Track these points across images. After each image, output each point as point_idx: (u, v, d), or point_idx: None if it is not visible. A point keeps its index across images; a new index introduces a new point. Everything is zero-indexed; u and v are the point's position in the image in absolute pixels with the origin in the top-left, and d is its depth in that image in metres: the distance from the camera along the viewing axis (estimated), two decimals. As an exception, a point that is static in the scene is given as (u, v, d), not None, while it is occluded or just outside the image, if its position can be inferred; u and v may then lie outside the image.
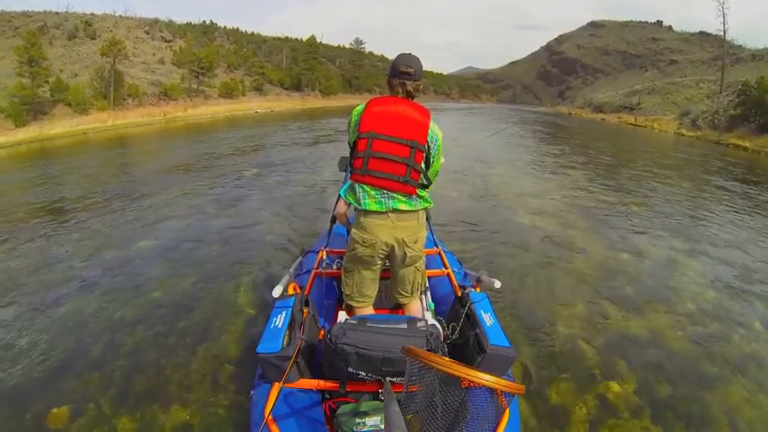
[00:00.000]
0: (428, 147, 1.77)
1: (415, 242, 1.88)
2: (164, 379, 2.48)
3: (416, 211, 1.84)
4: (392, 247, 1.86)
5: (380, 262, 1.94)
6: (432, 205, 1.92)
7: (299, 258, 2.81)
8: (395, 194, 1.77)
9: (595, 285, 3.92)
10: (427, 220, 2.31)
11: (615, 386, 2.55)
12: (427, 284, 2.49)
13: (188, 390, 2.39)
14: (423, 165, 1.78)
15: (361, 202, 1.80)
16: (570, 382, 2.57)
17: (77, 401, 2.30)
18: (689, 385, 2.62)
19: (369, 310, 2.06)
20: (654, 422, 2.30)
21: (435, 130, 1.80)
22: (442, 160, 1.96)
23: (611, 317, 3.36)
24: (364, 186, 1.78)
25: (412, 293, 2.05)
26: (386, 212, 1.79)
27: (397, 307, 2.21)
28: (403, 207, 1.79)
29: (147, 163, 10.75)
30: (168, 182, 7.68)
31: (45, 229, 5.23)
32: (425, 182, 1.82)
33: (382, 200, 1.78)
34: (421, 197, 1.84)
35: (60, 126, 18.74)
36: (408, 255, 1.87)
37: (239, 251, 4.42)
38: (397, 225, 1.82)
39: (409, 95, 1.81)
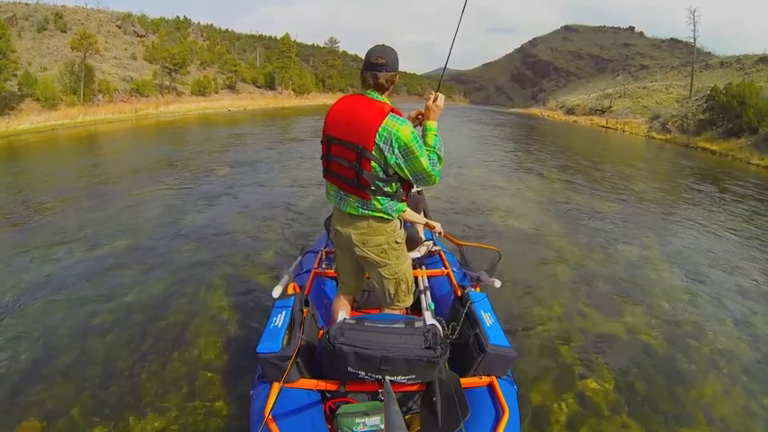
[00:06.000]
0: (380, 150, 1.63)
1: (363, 243, 1.82)
2: (139, 386, 2.39)
3: (366, 217, 1.78)
4: (348, 241, 1.86)
5: (350, 252, 1.90)
6: (390, 217, 1.79)
7: (299, 258, 2.79)
8: (348, 196, 1.80)
9: (572, 285, 3.99)
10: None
11: (594, 384, 2.60)
12: (427, 284, 2.49)
13: (163, 397, 2.31)
14: (376, 171, 1.67)
15: (328, 196, 1.94)
16: (550, 381, 2.60)
17: (48, 413, 2.18)
18: (665, 381, 2.70)
19: (348, 299, 2.10)
20: (633, 418, 2.35)
21: (394, 128, 1.62)
22: (424, 158, 1.69)
23: (588, 316, 3.43)
24: (327, 183, 1.91)
25: (392, 303, 1.98)
26: (341, 209, 1.85)
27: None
28: (351, 210, 1.79)
29: (120, 161, 10.39)
30: (141, 181, 7.45)
31: (8, 231, 4.97)
32: (379, 188, 1.70)
33: (338, 199, 1.85)
34: (377, 204, 1.74)
35: (28, 121, 17.90)
36: (359, 254, 1.86)
37: (214, 253, 4.32)
38: (350, 222, 1.84)
39: (380, 88, 1.71)
